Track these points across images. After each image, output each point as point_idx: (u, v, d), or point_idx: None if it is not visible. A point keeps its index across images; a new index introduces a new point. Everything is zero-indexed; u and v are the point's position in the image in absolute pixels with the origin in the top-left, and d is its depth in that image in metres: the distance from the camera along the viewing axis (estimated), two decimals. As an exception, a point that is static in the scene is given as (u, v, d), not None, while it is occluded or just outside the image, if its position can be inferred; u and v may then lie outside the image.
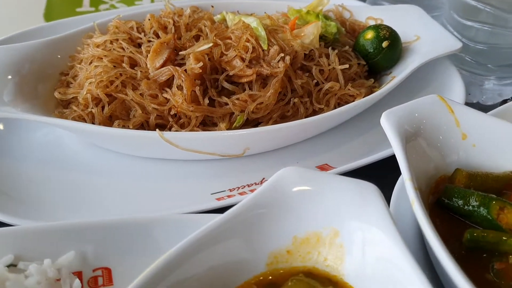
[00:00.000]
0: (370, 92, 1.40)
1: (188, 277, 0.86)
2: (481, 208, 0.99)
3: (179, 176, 1.23)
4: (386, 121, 1.10)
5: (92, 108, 1.25)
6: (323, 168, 1.23)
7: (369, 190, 0.93)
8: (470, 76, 1.66)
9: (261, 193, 0.94)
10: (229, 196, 1.13)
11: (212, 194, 1.15)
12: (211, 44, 1.28)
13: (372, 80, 1.45)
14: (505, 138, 1.13)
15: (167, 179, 1.23)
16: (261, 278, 0.91)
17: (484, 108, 1.67)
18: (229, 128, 1.22)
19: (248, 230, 0.92)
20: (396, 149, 1.04)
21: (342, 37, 1.54)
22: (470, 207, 1.01)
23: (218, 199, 1.12)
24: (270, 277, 0.91)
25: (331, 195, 0.94)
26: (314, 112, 1.32)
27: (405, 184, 0.97)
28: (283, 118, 1.29)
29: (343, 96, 1.35)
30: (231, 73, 1.28)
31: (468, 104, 1.69)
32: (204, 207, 1.07)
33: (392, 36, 1.46)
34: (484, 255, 0.94)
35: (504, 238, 0.93)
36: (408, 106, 1.16)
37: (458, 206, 1.02)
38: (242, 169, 1.24)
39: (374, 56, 1.47)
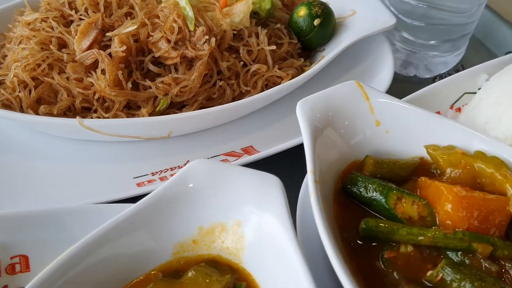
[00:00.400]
0: (301, 71, 1.42)
1: (96, 265, 0.91)
2: (380, 198, 1.04)
3: (105, 159, 1.26)
4: (300, 111, 1.13)
5: (19, 92, 1.26)
6: (247, 150, 1.27)
7: (271, 183, 0.98)
8: (412, 51, 1.68)
9: (169, 186, 0.98)
10: (149, 181, 1.17)
11: (134, 178, 1.19)
12: (135, 27, 1.28)
13: (302, 59, 1.46)
14: (417, 124, 1.17)
15: (94, 161, 1.25)
16: (167, 266, 0.97)
17: (421, 82, 1.71)
18: (153, 111, 1.25)
19: (155, 222, 0.97)
20: (305, 141, 1.07)
21: (278, 12, 1.54)
22: (370, 196, 1.05)
23: (139, 184, 1.16)
24: (176, 265, 0.98)
25: (236, 187, 0.98)
26: (241, 94, 1.34)
27: (308, 176, 1.02)
28: (209, 101, 1.32)
29: (271, 78, 1.37)
30: (156, 55, 1.29)
31: (405, 77, 1.73)
32: (124, 195, 1.11)
33: (324, 13, 1.46)
34: (374, 244, 0.99)
35: (395, 227, 0.99)
36: (324, 94, 1.18)
37: (360, 194, 1.06)
38: (167, 151, 1.27)
39: (306, 34, 1.48)
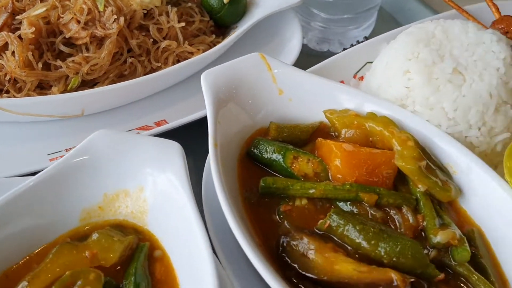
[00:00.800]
0: (213, 47, 1.48)
1: (2, 238, 0.95)
2: (279, 158, 1.12)
3: (20, 139, 1.28)
4: (204, 82, 1.19)
5: None
6: (160, 124, 1.32)
7: (171, 148, 1.04)
8: (326, 27, 1.76)
9: (69, 158, 1.02)
10: (62, 157, 1.20)
11: (48, 154, 1.22)
12: (44, 9, 1.31)
13: (214, 36, 1.52)
14: (317, 92, 1.25)
15: (8, 141, 1.27)
16: (75, 232, 1.02)
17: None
18: (64, 90, 1.28)
19: (59, 191, 1.00)
20: (208, 108, 1.13)
21: (190, -9, 1.59)
22: (270, 157, 1.13)
23: (52, 159, 1.20)
24: (84, 231, 1.02)
25: (138, 154, 1.04)
26: (153, 70, 1.38)
27: (209, 140, 1.08)
28: (121, 77, 1.36)
29: (182, 54, 1.42)
30: (67, 36, 1.32)
31: (319, 53, 1.81)
32: (35, 169, 1.14)
33: (234, -9, 1.53)
34: (273, 200, 1.07)
35: (289, 183, 1.07)
36: (228, 65, 1.25)
37: (262, 156, 1.14)
38: (82, 129, 1.29)
39: (217, 12, 1.54)
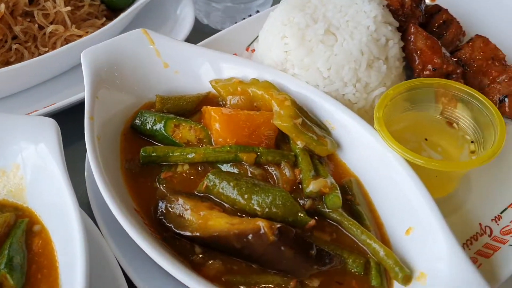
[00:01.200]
0: (102, 29, 1.48)
1: None
2: (160, 127, 1.14)
3: None
4: (84, 59, 1.18)
5: None
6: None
7: (46, 125, 1.03)
8: (228, 5, 1.79)
9: None
10: None
11: None
12: None
13: (104, 19, 1.52)
14: (203, 63, 1.27)
15: None
16: None
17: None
18: None
19: None
20: (86, 83, 1.14)
21: (80, -23, 1.58)
22: (152, 127, 1.14)
23: None
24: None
25: (13, 133, 1.02)
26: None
27: (85, 114, 1.08)
28: (7, 65, 1.34)
29: (71, 38, 1.42)
30: None
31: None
32: None
33: (120, -26, 1.53)
34: (148, 169, 1.08)
35: (169, 150, 1.08)
36: (109, 43, 1.24)
37: (145, 128, 1.15)
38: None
39: (108, -5, 1.55)
